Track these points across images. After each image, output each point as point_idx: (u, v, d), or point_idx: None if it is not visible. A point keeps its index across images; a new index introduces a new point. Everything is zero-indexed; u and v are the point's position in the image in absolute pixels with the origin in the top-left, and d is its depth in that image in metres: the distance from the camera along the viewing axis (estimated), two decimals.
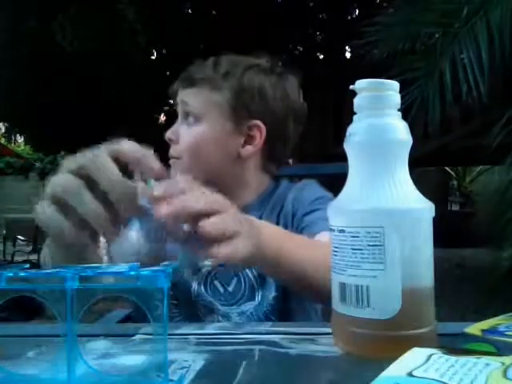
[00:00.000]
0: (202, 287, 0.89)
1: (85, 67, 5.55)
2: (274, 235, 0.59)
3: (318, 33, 6.98)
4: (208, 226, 0.46)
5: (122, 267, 0.36)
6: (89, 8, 5.17)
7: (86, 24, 5.11)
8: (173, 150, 0.93)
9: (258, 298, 0.88)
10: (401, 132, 0.46)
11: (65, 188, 0.46)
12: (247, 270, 0.89)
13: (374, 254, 0.42)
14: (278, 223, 0.89)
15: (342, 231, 0.44)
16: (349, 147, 0.47)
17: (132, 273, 0.35)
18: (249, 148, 0.95)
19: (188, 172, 0.90)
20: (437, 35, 3.35)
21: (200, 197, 0.48)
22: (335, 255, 0.45)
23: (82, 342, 0.37)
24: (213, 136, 0.94)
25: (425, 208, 0.45)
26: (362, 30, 3.43)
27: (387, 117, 0.46)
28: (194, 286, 0.89)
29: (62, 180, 0.47)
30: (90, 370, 0.35)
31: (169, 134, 0.94)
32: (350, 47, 6.22)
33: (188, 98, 0.93)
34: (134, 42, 5.49)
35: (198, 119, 0.92)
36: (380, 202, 0.43)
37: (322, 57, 6.94)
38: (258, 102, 0.93)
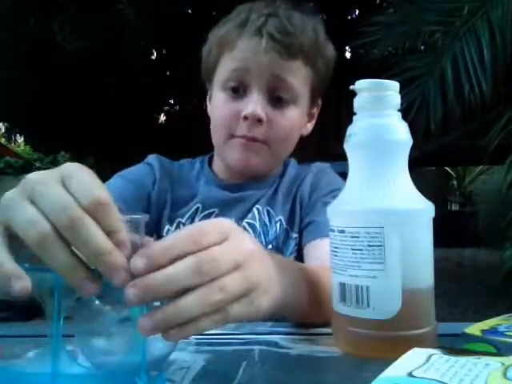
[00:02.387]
0: None
1: (85, 67, 5.55)
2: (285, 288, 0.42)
3: None
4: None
5: None
6: (89, 8, 5.17)
7: (86, 24, 5.10)
8: (259, 133, 0.77)
9: None
10: (401, 132, 0.46)
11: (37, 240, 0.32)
12: None
13: (374, 254, 0.42)
14: (293, 205, 0.83)
15: (341, 231, 0.44)
16: (349, 147, 0.47)
17: None
18: (309, 127, 0.87)
19: (270, 159, 0.81)
20: (438, 34, 3.35)
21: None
22: (335, 255, 0.45)
23: (82, 339, 0.37)
24: (302, 120, 0.83)
25: (425, 208, 0.45)
26: (361, 30, 3.43)
27: (387, 117, 0.46)
28: None
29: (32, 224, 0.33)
30: (80, 366, 0.35)
31: (260, 113, 0.75)
32: (350, 47, 6.21)
33: (288, 74, 0.76)
34: (134, 42, 5.49)
35: (294, 101, 0.78)
36: (380, 203, 0.43)
37: None
38: (329, 78, 0.83)
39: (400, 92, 0.48)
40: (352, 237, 0.43)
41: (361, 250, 0.43)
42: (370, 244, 0.42)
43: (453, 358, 0.32)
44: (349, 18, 6.65)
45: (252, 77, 0.76)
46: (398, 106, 0.47)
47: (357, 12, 6.67)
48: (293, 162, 0.91)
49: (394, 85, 0.47)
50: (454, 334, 0.44)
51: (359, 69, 2.94)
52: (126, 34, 5.39)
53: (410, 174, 0.47)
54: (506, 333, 0.41)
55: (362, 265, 0.42)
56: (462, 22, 3.24)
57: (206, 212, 0.81)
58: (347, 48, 6.39)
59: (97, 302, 0.37)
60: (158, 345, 0.37)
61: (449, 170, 11.29)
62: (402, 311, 0.42)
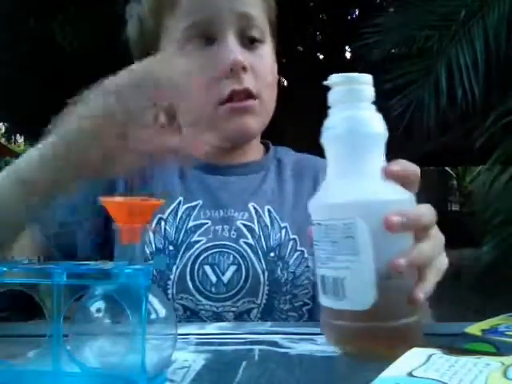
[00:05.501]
0: (188, 272, 0.68)
1: (85, 67, 5.56)
2: None
3: (317, 33, 6.97)
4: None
5: (108, 264, 0.37)
6: (89, 8, 5.17)
7: (86, 24, 5.11)
8: (248, 83, 0.67)
9: (263, 296, 0.68)
10: (374, 125, 0.46)
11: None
12: (252, 257, 0.69)
13: (348, 245, 0.42)
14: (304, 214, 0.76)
15: (319, 224, 0.45)
16: (324, 141, 0.47)
17: (115, 270, 0.35)
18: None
19: (264, 116, 0.72)
20: (434, 38, 3.37)
21: (429, 210, 0.46)
22: (316, 249, 0.46)
23: (81, 339, 0.37)
24: (273, 61, 0.73)
25: (398, 199, 0.44)
26: (361, 31, 3.45)
27: (361, 110, 0.46)
28: (175, 273, 0.67)
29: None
30: (81, 366, 0.35)
31: (242, 61, 0.65)
32: (349, 48, 6.22)
33: (253, 9, 0.68)
34: None
35: (264, 38, 0.70)
36: (351, 195, 0.43)
37: (322, 57, 6.93)
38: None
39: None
40: (327, 229, 0.44)
41: (336, 242, 0.43)
42: (344, 236, 0.42)
43: (453, 358, 0.32)
44: (349, 18, 6.65)
45: (217, 22, 0.67)
46: (372, 99, 0.47)
47: (357, 12, 6.68)
48: (273, 146, 0.83)
49: (368, 78, 0.47)
50: (453, 334, 0.44)
51: (358, 71, 2.95)
52: (126, 34, 5.38)
53: None
54: (506, 333, 0.41)
55: (338, 257, 0.43)
56: (458, 26, 3.26)
57: (189, 205, 0.72)
58: (347, 48, 6.40)
59: (96, 302, 0.37)
60: (158, 346, 0.37)
61: (449, 170, 11.30)
62: (378, 302, 0.41)
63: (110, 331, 0.36)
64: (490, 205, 3.17)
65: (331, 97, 0.47)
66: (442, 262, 0.47)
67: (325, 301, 0.45)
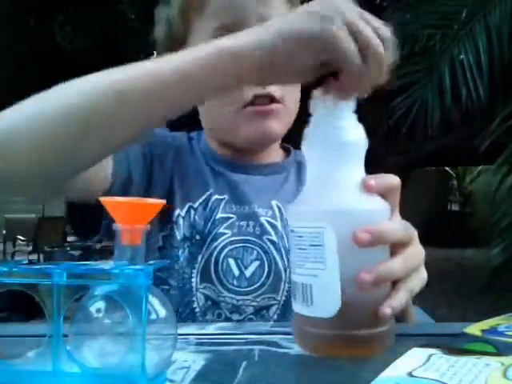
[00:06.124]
0: (212, 263, 0.69)
1: (85, 67, 5.56)
2: None
3: None
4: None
5: (109, 264, 0.37)
6: (89, 8, 5.17)
7: (86, 24, 5.11)
8: (273, 88, 0.68)
9: (283, 293, 0.70)
10: (352, 134, 0.46)
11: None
12: (275, 254, 0.71)
13: (316, 253, 0.42)
14: None
15: (292, 231, 0.45)
16: (303, 149, 0.48)
17: (116, 270, 0.35)
18: None
19: (288, 120, 0.73)
20: (436, 37, 3.37)
21: (401, 226, 0.46)
22: (291, 254, 0.46)
23: (80, 339, 0.37)
24: None
25: (367, 209, 0.44)
26: None
27: (340, 120, 0.46)
28: (200, 263, 0.69)
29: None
30: (80, 365, 0.35)
31: None
32: None
33: (276, 11, 0.69)
34: (134, 42, 5.49)
35: None
36: (321, 203, 0.44)
37: None
38: None
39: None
40: (298, 236, 0.44)
41: (305, 249, 0.43)
42: (312, 244, 0.43)
43: (453, 358, 0.32)
44: None
45: (244, 25, 0.65)
46: (354, 108, 0.47)
47: None
48: (293, 151, 0.84)
49: None
50: (453, 334, 0.44)
51: None
52: (126, 34, 5.39)
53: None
54: (506, 333, 0.41)
55: (306, 264, 0.43)
56: (460, 25, 3.26)
57: (218, 197, 0.73)
58: None
59: (96, 302, 0.37)
60: (158, 346, 0.37)
61: (449, 170, 11.30)
62: (343, 311, 0.42)
63: (110, 331, 0.36)
64: (497, 207, 3.15)
65: (312, 104, 0.47)
66: (418, 279, 0.47)
67: (295, 306, 0.45)
